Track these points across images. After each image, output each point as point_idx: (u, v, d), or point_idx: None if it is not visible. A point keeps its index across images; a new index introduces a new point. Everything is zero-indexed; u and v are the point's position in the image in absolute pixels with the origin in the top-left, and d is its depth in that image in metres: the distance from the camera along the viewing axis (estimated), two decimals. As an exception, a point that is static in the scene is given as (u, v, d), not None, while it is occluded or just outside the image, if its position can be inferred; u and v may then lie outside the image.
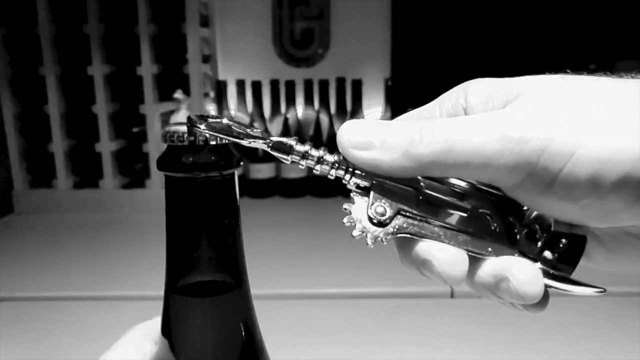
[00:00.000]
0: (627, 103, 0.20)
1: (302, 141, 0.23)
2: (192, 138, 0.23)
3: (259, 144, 0.23)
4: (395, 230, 0.22)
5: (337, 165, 0.22)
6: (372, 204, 0.22)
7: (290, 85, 1.21)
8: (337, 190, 1.17)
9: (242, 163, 0.24)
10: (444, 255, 0.21)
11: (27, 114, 1.09)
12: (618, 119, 0.20)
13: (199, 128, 0.22)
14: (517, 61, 1.18)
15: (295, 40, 1.31)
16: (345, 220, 0.22)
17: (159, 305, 0.26)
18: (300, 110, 1.23)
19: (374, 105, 1.27)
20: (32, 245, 0.92)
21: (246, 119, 1.21)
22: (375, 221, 0.22)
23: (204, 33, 1.17)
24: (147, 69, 1.03)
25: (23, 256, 0.86)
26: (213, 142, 0.23)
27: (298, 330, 0.61)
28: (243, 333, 0.26)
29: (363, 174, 0.22)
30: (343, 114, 1.21)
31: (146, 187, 1.09)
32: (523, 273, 0.21)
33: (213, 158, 0.23)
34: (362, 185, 0.22)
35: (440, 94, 0.25)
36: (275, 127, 1.21)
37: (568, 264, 0.23)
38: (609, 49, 1.19)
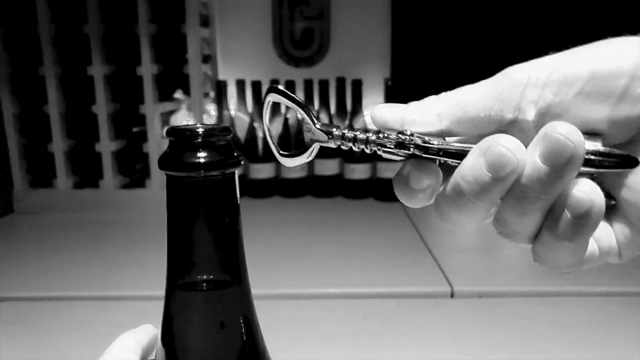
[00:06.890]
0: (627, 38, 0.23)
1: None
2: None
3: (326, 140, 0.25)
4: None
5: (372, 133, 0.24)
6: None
7: (290, 85, 1.21)
8: (337, 190, 1.18)
9: (242, 162, 0.24)
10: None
11: (27, 114, 1.09)
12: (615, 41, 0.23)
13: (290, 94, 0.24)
14: (517, 60, 1.18)
15: (295, 40, 1.31)
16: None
17: (159, 305, 0.26)
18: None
19: (374, 105, 1.27)
20: (32, 245, 0.92)
21: (246, 119, 1.21)
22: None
23: (204, 33, 1.17)
24: (147, 69, 1.03)
25: (23, 256, 0.86)
26: (213, 140, 0.23)
27: (297, 330, 0.61)
28: (243, 330, 0.26)
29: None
30: (343, 114, 1.21)
31: (146, 187, 1.09)
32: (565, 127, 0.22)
33: (215, 157, 0.23)
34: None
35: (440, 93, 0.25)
36: (275, 127, 1.21)
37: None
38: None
